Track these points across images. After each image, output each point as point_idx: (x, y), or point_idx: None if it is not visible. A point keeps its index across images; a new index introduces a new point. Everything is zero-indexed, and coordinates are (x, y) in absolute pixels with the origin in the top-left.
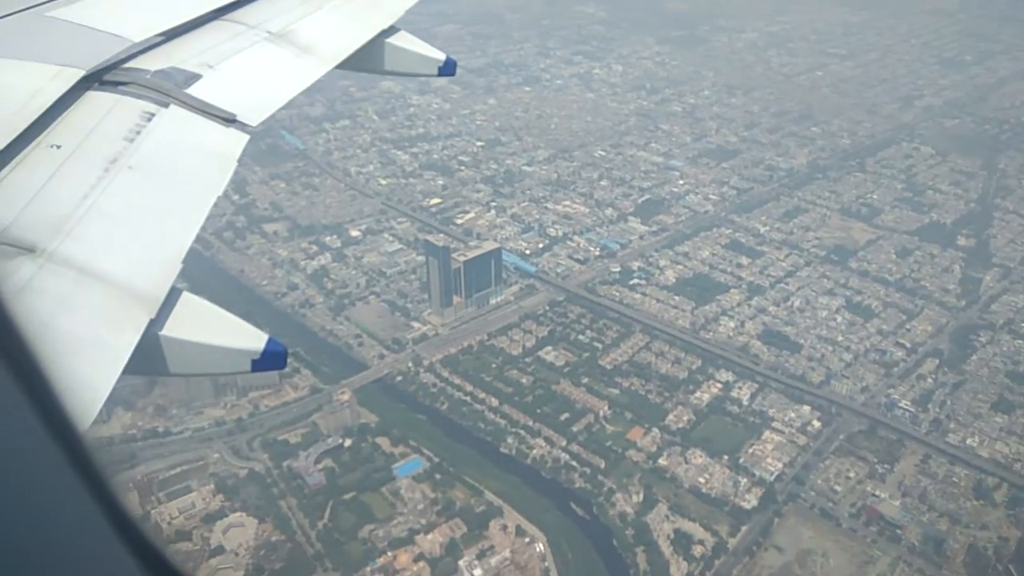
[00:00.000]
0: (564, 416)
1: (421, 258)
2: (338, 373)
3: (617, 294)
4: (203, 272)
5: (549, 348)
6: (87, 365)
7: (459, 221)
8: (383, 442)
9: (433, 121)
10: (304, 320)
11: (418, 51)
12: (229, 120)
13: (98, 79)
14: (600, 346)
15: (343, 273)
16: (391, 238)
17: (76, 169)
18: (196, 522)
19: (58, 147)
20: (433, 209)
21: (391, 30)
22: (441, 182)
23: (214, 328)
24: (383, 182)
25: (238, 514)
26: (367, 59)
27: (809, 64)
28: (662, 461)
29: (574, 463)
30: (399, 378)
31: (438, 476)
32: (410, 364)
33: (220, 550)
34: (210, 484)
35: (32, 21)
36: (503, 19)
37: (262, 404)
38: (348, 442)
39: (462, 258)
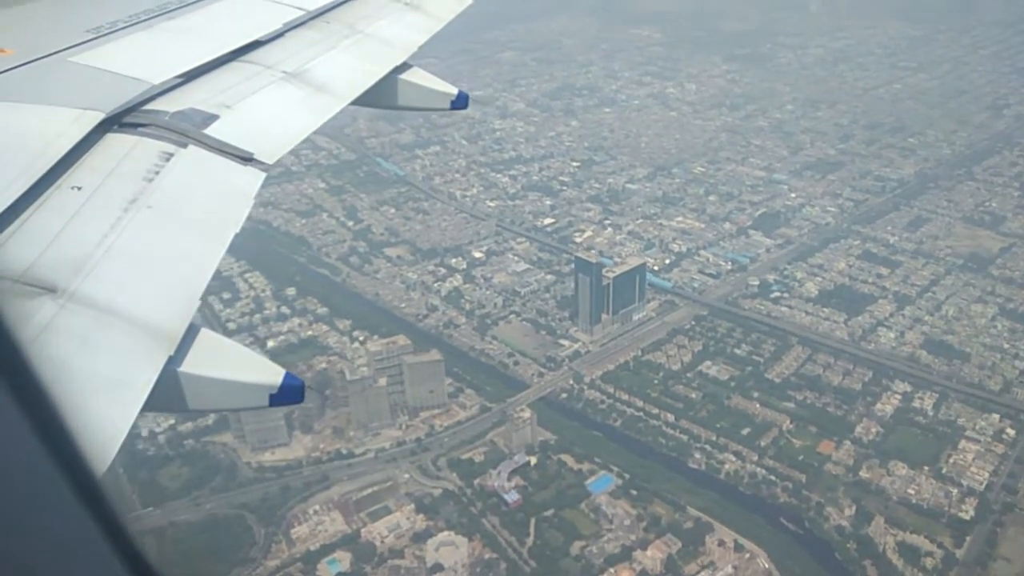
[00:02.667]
0: (746, 430)
1: (551, 277)
2: (500, 392)
3: (762, 307)
4: (341, 297)
5: (708, 362)
6: (107, 403)
7: (577, 239)
8: (567, 459)
9: (522, 144)
10: (451, 340)
11: (431, 86)
12: (246, 159)
13: (118, 121)
14: (760, 360)
15: (477, 294)
16: (515, 258)
17: (96, 210)
18: (406, 541)
19: (79, 188)
20: (548, 229)
21: (404, 66)
22: (549, 202)
23: (232, 363)
24: (491, 204)
25: (445, 533)
26: (381, 95)
27: (884, 77)
28: (864, 474)
29: (772, 477)
30: (563, 395)
31: (634, 492)
32: (571, 381)
33: (438, 568)
34: (410, 504)
35: (54, 66)
36: (560, 44)
37: (436, 424)
38: (534, 460)
39: (610, 274)
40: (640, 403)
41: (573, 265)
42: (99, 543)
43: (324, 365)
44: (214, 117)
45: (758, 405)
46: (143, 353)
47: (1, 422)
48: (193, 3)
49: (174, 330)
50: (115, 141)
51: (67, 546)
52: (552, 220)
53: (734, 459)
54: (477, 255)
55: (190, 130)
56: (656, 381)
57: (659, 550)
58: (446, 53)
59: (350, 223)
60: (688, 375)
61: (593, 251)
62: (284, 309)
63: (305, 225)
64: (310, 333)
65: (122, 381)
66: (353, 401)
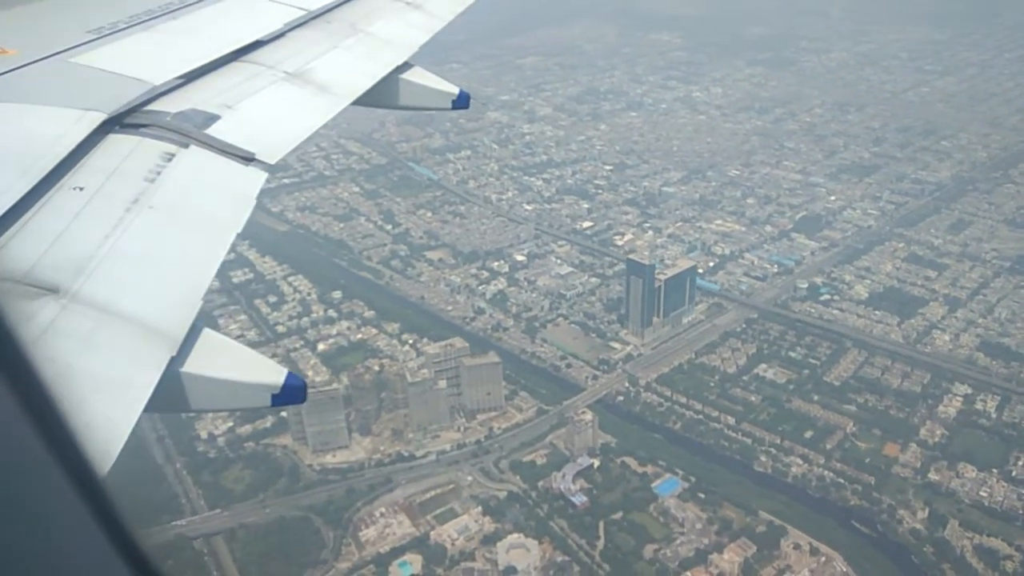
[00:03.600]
0: (808, 433)
1: (595, 279)
2: (555, 395)
3: (813, 310)
4: (386, 300)
5: (764, 365)
6: (109, 404)
7: (619, 242)
8: (630, 462)
9: (553, 148)
10: (500, 343)
11: (432, 85)
12: (248, 159)
13: (119, 122)
14: (816, 362)
15: (523, 296)
16: (558, 261)
17: (98, 210)
18: (476, 544)
19: (80, 189)
20: (588, 232)
21: (405, 66)
22: (586, 206)
23: (234, 363)
24: (527, 208)
25: (515, 535)
26: (382, 95)
27: (911, 81)
28: (932, 476)
29: (841, 480)
30: (620, 398)
31: (702, 495)
32: (626, 384)
33: (512, 570)
34: (476, 506)
35: (56, 67)
36: (582, 49)
37: (495, 426)
38: (597, 463)
39: (662, 276)
40: (699, 406)
41: (624, 267)
42: (102, 544)
43: (377, 368)
44: (216, 117)
45: (819, 408)
46: (145, 353)
47: (3, 423)
48: (194, 3)
49: (176, 330)
50: (117, 142)
51: (70, 547)
52: (591, 223)
53: (800, 462)
54: (519, 258)
55: (192, 130)
56: (712, 384)
57: (735, 554)
58: (468, 58)
59: (388, 227)
60: (744, 378)
61: (633, 254)
62: (331, 312)
63: (344, 229)
64: (360, 336)
65: (125, 381)
66: (413, 403)
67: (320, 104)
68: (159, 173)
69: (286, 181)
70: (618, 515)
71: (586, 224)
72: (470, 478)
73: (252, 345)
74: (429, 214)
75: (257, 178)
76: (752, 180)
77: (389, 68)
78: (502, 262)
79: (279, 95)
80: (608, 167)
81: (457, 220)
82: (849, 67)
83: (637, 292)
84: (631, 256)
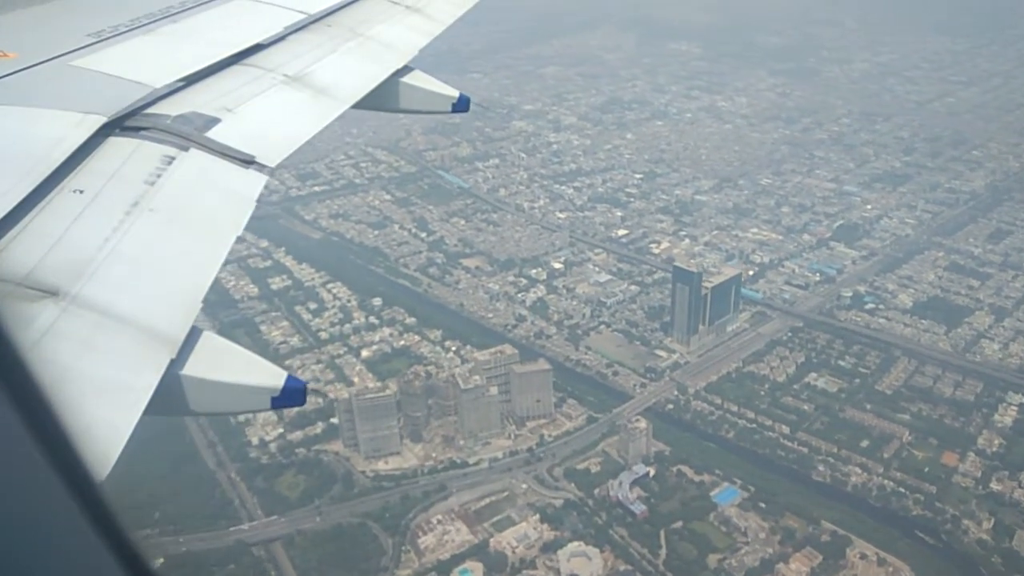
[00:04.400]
0: (864, 443)
1: (635, 287)
2: (603, 403)
3: (858, 319)
4: (426, 307)
5: (814, 374)
6: (109, 407)
7: (655, 250)
8: (686, 470)
9: (581, 157)
10: (544, 351)
11: (432, 89)
12: (248, 162)
13: (120, 125)
14: (866, 371)
15: (563, 304)
16: (595, 269)
17: (98, 213)
18: (536, 552)
19: (81, 192)
20: (623, 240)
21: (405, 69)
22: (619, 214)
23: (234, 366)
24: (560, 216)
25: (575, 543)
26: (383, 98)
27: (935, 91)
28: (995, 486)
29: (901, 490)
30: (669, 406)
31: (762, 505)
32: (675, 392)
33: None
34: (534, 514)
35: (56, 70)
36: (602, 59)
37: (545, 434)
38: (652, 471)
39: (708, 284)
40: (751, 415)
41: (665, 275)
42: (99, 549)
43: (424, 374)
44: (216, 120)
45: (873, 417)
46: (145, 356)
47: (1, 427)
48: (195, 7)
49: (176, 333)
50: (117, 145)
51: (67, 552)
52: (625, 231)
53: (859, 471)
54: (556, 266)
55: (192, 133)
56: (762, 393)
57: (801, 563)
58: (489, 67)
59: (423, 234)
60: (795, 387)
61: (673, 262)
62: (372, 319)
63: (378, 236)
64: (402, 343)
65: (124, 384)
66: (465, 410)
67: (320, 107)
68: (159, 176)
69: (317, 189)
70: (678, 524)
71: (621, 232)
72: (525, 486)
73: (296, 352)
74: (462, 222)
75: (257, 181)
76: (785, 189)
77: (389, 71)
78: (540, 270)
79: (279, 98)
80: (638, 175)
81: (491, 228)
82: (872, 77)
83: (683, 299)
84: (676, 264)
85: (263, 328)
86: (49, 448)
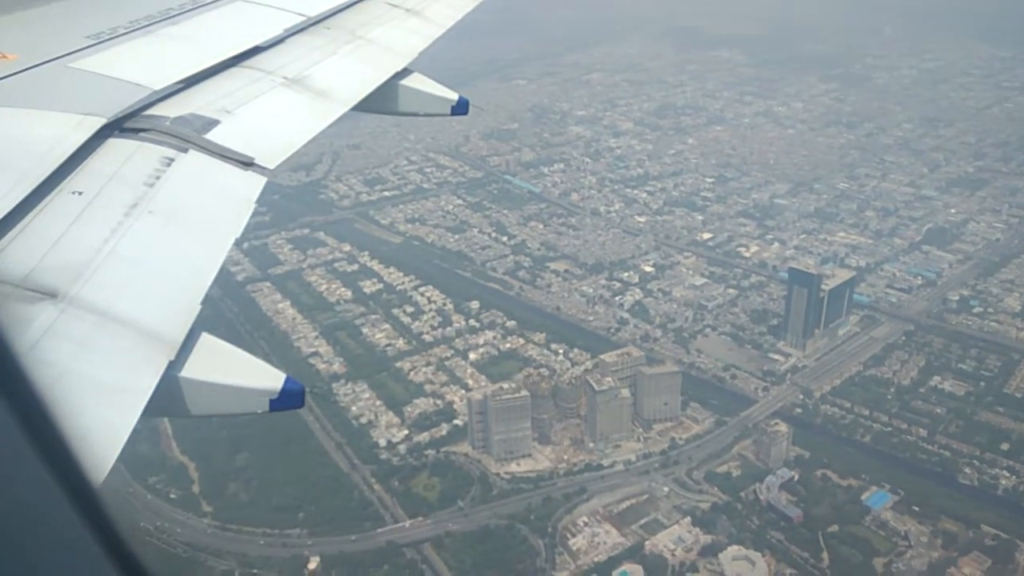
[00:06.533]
0: (1004, 445)
1: (732, 291)
2: (727, 406)
3: (970, 323)
4: (522, 310)
5: (937, 378)
6: (107, 409)
7: (745, 254)
8: (830, 474)
9: (646, 161)
10: (653, 354)
11: (432, 91)
12: (247, 164)
13: (119, 126)
14: (990, 374)
15: (663, 307)
16: (688, 272)
17: (97, 215)
18: (695, 555)
19: (80, 193)
20: (709, 243)
21: (405, 72)
22: (699, 218)
23: (233, 368)
24: (639, 219)
25: (735, 547)
26: (382, 101)
27: (992, 97)
28: None
29: None
30: (797, 410)
31: (916, 508)
32: (800, 396)
33: None
34: (684, 517)
35: (55, 71)
36: (645, 66)
37: (675, 437)
38: (796, 475)
39: (825, 287)
40: (884, 418)
41: (752, 278)
42: (97, 552)
43: (537, 376)
44: (215, 122)
45: (1008, 420)
46: (144, 358)
47: None
48: (194, 9)
49: (175, 335)
50: (116, 146)
51: (65, 555)
52: (710, 235)
53: (1007, 475)
54: (647, 269)
55: (191, 135)
56: (889, 396)
57: (972, 567)
58: (532, 75)
59: (503, 238)
60: (921, 390)
61: (764, 265)
62: (472, 322)
63: (459, 240)
64: (508, 346)
65: (122, 386)
66: (600, 412)
67: (319, 110)
68: (158, 178)
69: (387, 194)
70: (834, 528)
71: (705, 236)
72: (666, 489)
73: (404, 355)
74: (540, 226)
75: (256, 183)
76: (863, 193)
77: (389, 74)
78: (631, 273)
79: (278, 100)
80: (709, 179)
81: (571, 232)
82: (923, 84)
83: (800, 302)
84: (792, 265)
85: (365, 331)
86: (47, 450)
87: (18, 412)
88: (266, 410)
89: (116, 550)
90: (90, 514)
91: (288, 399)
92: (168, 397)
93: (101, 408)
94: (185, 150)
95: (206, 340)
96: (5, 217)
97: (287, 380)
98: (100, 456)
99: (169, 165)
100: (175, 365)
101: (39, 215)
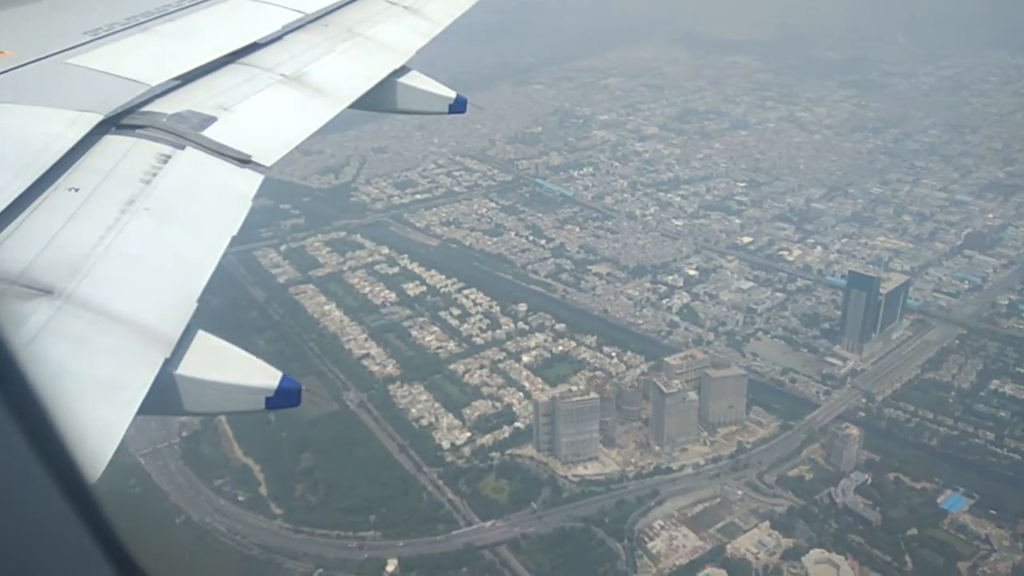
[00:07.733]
0: None
1: (780, 294)
2: (790, 409)
3: (1021, 326)
4: (570, 313)
5: (997, 381)
6: (103, 406)
7: (788, 258)
8: (903, 478)
9: (675, 165)
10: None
11: (430, 89)
12: (244, 161)
13: (116, 123)
14: None
15: (712, 310)
16: (733, 275)
17: (93, 211)
18: (777, 559)
19: (76, 190)
20: (750, 247)
21: (402, 70)
22: (737, 221)
23: (229, 366)
24: (676, 223)
25: (818, 550)
26: (380, 98)
27: (1012, 104)
28: None
29: None
30: (861, 413)
31: (993, 512)
32: (863, 400)
33: None
34: (762, 521)
35: (52, 68)
36: (662, 71)
37: (742, 440)
38: (869, 478)
39: (883, 290)
40: (949, 421)
41: (796, 283)
42: (91, 549)
43: (595, 378)
44: (212, 119)
45: None
46: (139, 355)
47: None
48: (191, 6)
49: (171, 332)
50: (113, 143)
51: (59, 552)
52: (750, 239)
53: None
54: (691, 272)
55: (188, 132)
56: (951, 400)
57: None
58: (549, 79)
59: (541, 241)
60: (981, 394)
61: (808, 269)
62: (521, 325)
63: (497, 243)
64: (560, 348)
65: (118, 383)
66: (667, 415)
67: (317, 107)
68: (155, 175)
69: (419, 197)
70: (913, 531)
71: (746, 239)
72: (740, 492)
73: (457, 357)
74: (577, 229)
75: (253, 180)
76: (898, 198)
77: (386, 72)
78: (675, 276)
79: (276, 98)
80: (741, 184)
81: (609, 235)
82: (942, 91)
83: (859, 305)
84: (852, 268)
85: (414, 333)
86: (42, 447)
87: (14, 409)
88: (262, 408)
89: (111, 546)
90: (85, 511)
91: (284, 397)
92: (164, 394)
93: (97, 405)
94: (182, 147)
95: (202, 337)
96: (1, 214)
97: (283, 378)
98: (96, 453)
99: (166, 162)
100: (171, 362)
101: (35, 212)
